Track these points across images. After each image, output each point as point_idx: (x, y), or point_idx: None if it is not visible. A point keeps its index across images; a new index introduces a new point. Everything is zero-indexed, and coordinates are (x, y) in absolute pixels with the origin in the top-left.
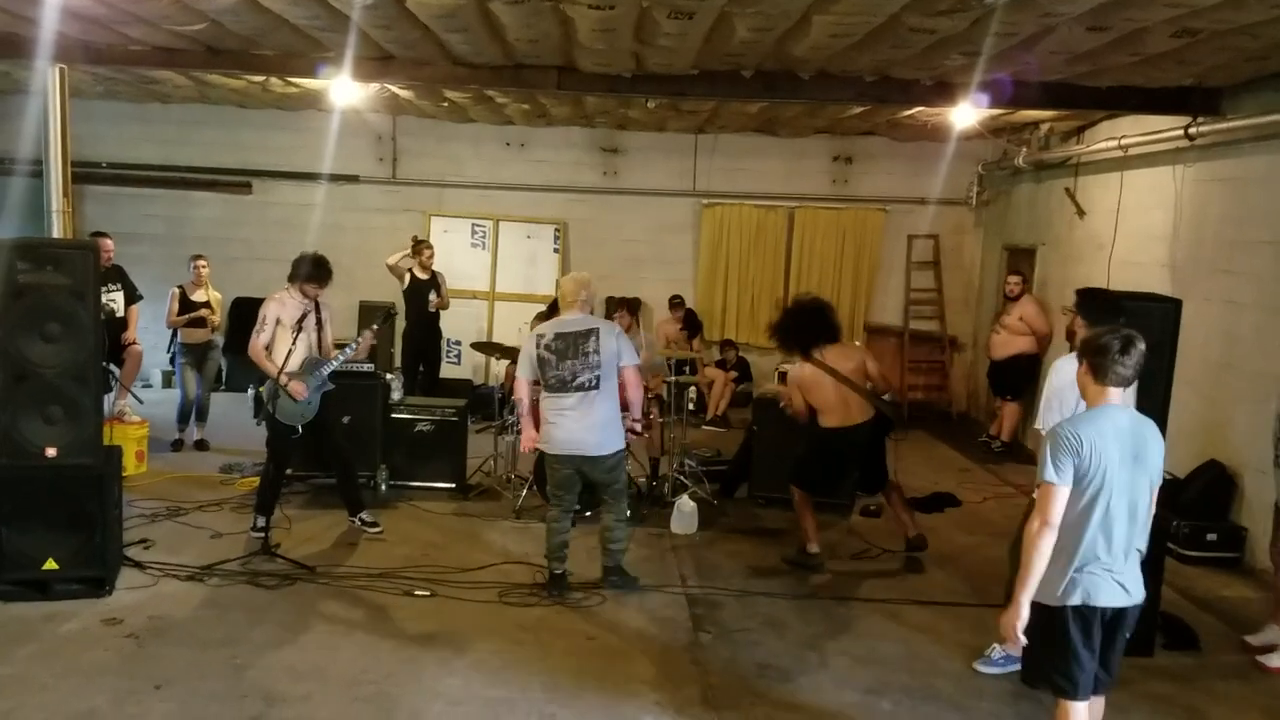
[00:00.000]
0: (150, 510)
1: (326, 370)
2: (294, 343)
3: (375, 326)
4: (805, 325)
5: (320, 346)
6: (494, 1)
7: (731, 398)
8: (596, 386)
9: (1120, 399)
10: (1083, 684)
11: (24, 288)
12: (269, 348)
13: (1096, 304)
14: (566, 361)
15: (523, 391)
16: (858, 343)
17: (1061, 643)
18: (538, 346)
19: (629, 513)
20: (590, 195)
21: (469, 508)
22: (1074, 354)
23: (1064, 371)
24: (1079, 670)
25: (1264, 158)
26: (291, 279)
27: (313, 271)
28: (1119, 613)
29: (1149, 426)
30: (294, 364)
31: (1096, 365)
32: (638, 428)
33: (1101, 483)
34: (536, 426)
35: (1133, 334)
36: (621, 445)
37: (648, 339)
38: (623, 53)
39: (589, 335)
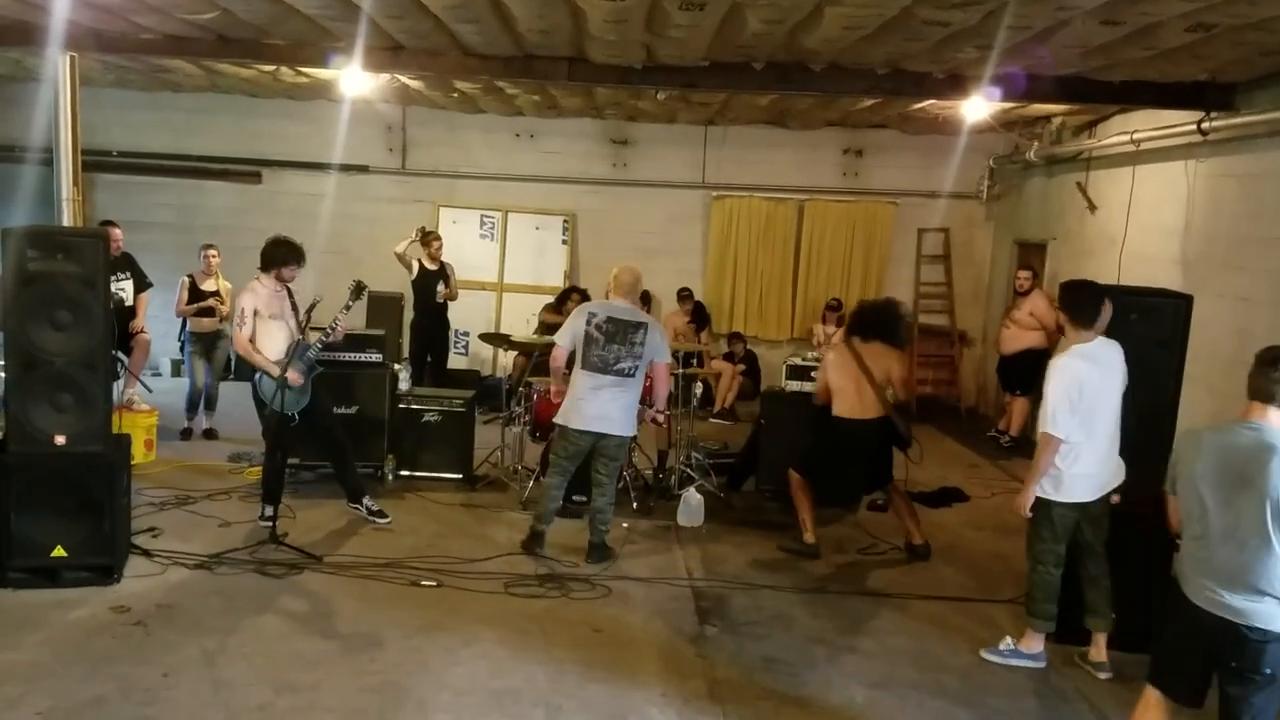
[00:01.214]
0: (159, 499)
1: (312, 354)
2: (302, 331)
3: (348, 305)
4: (869, 315)
5: (302, 331)
6: None
7: (739, 391)
8: (633, 375)
9: (1277, 418)
10: (1165, 677)
11: (34, 275)
12: (253, 341)
13: (1078, 297)
14: (613, 345)
15: (560, 360)
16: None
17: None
18: (588, 324)
19: (636, 506)
20: (600, 187)
21: (476, 498)
22: (1071, 352)
23: (1065, 371)
24: (1166, 652)
25: (1278, 154)
26: (270, 266)
27: (290, 256)
28: (1223, 629)
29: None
30: (280, 352)
31: (1250, 375)
32: (660, 418)
33: (1189, 496)
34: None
35: None
36: (635, 432)
37: None
38: (634, 44)
39: (639, 328)
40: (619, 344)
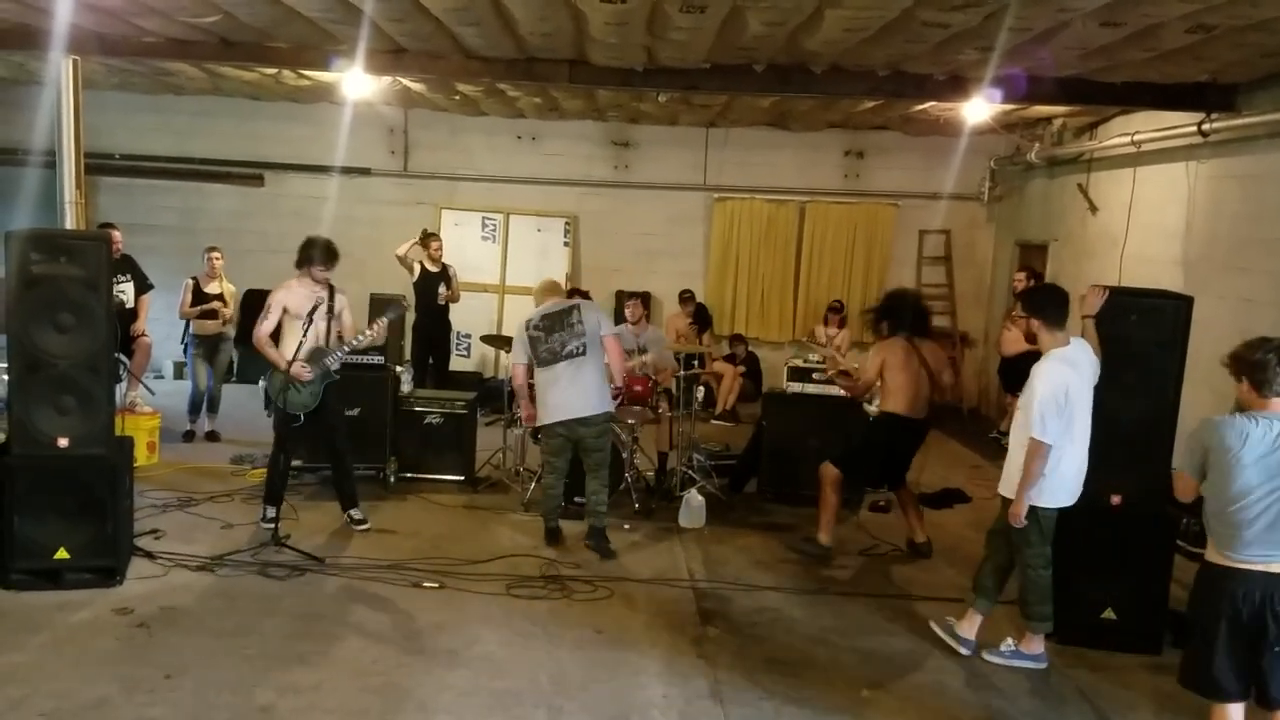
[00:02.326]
0: (161, 501)
1: (333, 362)
2: (304, 334)
3: (389, 318)
4: (916, 310)
5: (328, 336)
6: None
7: (740, 392)
8: (584, 353)
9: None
10: (1220, 679)
11: (37, 278)
12: (276, 337)
13: (1045, 299)
14: (555, 334)
15: (520, 377)
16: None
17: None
18: (527, 329)
19: (638, 508)
20: (601, 189)
21: (478, 500)
22: (1052, 357)
23: (1051, 376)
24: (1215, 660)
25: (1279, 155)
26: (300, 265)
27: (323, 255)
28: (1258, 609)
29: None
30: (301, 354)
31: (1260, 381)
32: (615, 396)
33: (1232, 479)
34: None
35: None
36: (609, 409)
37: (657, 333)
38: (635, 46)
39: (571, 310)
40: (559, 331)
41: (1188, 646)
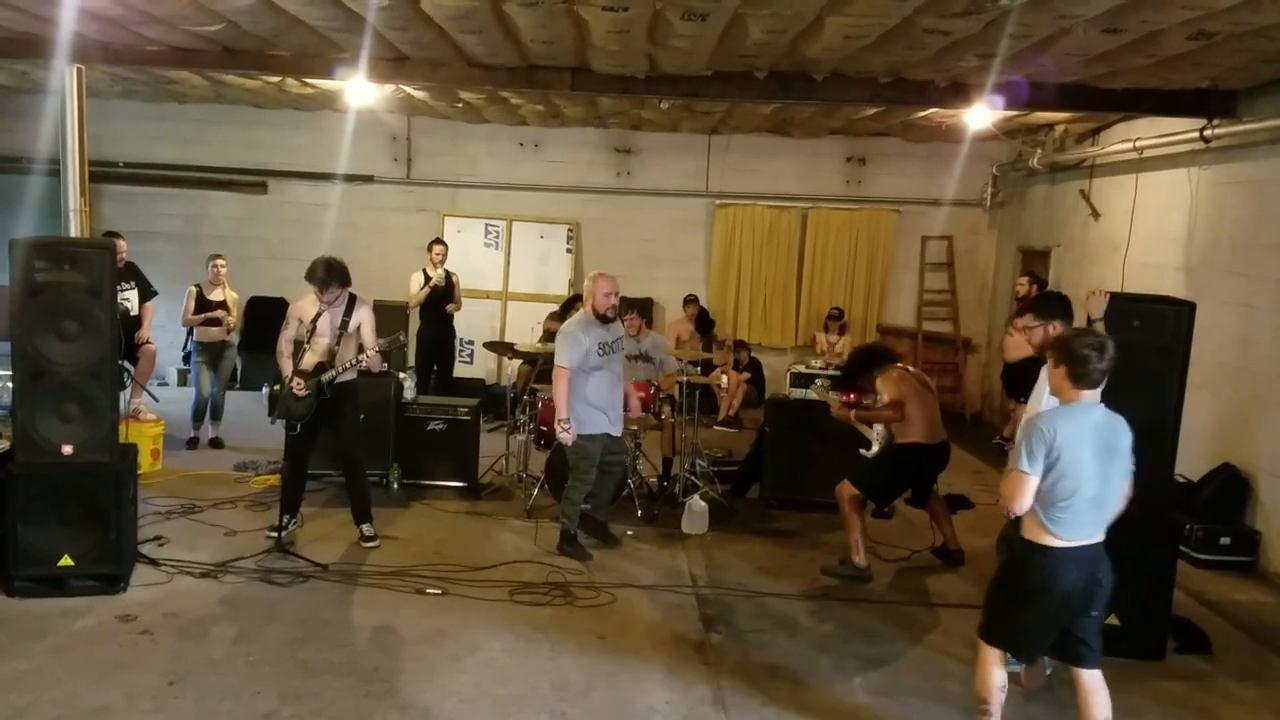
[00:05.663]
0: (165, 507)
1: (324, 377)
2: (306, 342)
3: (381, 348)
4: (874, 348)
5: (336, 352)
6: (508, 3)
7: (743, 398)
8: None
9: (1094, 398)
10: (1034, 646)
11: (41, 286)
12: (300, 346)
13: (1058, 308)
14: None
15: None
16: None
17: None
18: None
19: (641, 514)
20: (603, 195)
21: (481, 507)
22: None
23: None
24: (1029, 627)
25: None
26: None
27: (319, 279)
28: (1083, 588)
29: (1120, 421)
30: (306, 364)
31: (1078, 372)
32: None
33: (1078, 469)
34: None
35: (1105, 338)
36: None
37: (658, 339)
38: (636, 54)
39: None
40: None
41: (999, 608)
